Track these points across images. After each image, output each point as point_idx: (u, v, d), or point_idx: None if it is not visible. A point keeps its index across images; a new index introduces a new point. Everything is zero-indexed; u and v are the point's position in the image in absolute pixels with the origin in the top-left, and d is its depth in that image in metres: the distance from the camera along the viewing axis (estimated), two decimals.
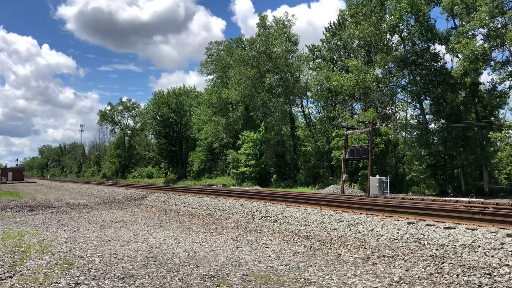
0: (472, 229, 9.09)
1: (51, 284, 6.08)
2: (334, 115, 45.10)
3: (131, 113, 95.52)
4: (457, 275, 6.79)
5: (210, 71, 64.85)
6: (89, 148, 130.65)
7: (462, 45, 27.17)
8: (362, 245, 9.37)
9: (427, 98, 35.43)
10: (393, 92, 40.02)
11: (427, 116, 35.57)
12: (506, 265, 6.94)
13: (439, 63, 34.67)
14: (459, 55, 29.17)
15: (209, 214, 16.37)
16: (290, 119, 49.86)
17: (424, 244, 8.76)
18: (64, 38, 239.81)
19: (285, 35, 48.19)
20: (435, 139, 33.95)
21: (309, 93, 50.42)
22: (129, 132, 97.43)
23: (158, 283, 6.31)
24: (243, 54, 49.44)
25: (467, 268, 7.03)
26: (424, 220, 10.70)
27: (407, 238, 9.29)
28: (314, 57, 51.08)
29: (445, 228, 9.47)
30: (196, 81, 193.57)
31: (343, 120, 42.15)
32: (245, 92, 48.36)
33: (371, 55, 40.45)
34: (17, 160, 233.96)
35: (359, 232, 10.53)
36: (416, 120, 37.43)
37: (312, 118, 51.99)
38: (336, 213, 12.98)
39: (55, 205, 21.31)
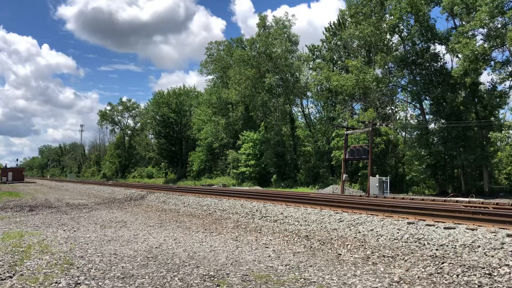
0: (472, 229, 9.09)
1: (51, 284, 6.08)
2: (334, 115, 45.11)
3: (131, 113, 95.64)
4: (457, 275, 6.79)
5: (210, 71, 64.90)
6: (89, 148, 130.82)
7: (462, 45, 27.18)
8: (362, 245, 9.37)
9: (427, 98, 35.44)
10: (393, 92, 40.03)
11: (427, 116, 35.60)
12: (506, 265, 6.94)
13: (439, 63, 34.67)
14: (459, 55, 29.17)
15: (209, 214, 16.37)
16: (290, 119, 49.87)
17: (424, 244, 8.76)
18: (64, 38, 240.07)
19: (285, 35, 48.19)
20: (435, 139, 33.95)
21: (309, 93, 50.44)
22: (129, 132, 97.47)
23: (158, 283, 6.31)
24: (243, 54, 49.44)
25: (467, 268, 7.03)
26: (424, 220, 10.70)
27: (407, 238, 9.29)
28: (314, 57, 51.10)
29: (445, 228, 9.47)
30: (196, 81, 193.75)
31: (343, 120, 42.15)
32: (245, 92, 48.37)
33: (371, 55, 40.46)
34: (17, 160, 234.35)
35: (359, 232, 10.53)
36: (416, 120, 37.43)
37: (312, 118, 52.03)
38: (336, 213, 12.98)
39: (55, 205, 21.31)
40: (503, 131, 28.16)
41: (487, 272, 6.78)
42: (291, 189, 39.49)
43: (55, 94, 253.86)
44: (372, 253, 8.72)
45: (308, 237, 10.73)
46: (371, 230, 10.44)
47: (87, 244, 9.61)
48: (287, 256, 8.53)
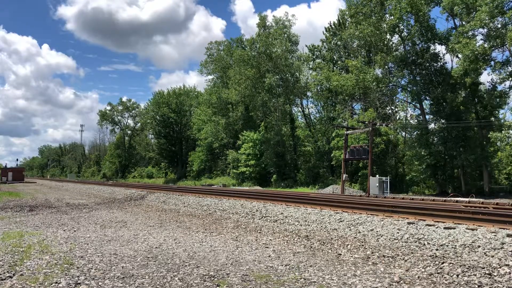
0: (472, 229, 9.09)
1: (51, 284, 6.08)
2: (334, 115, 45.10)
3: (131, 113, 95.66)
4: (457, 275, 6.79)
5: (210, 71, 64.91)
6: (89, 148, 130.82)
7: (462, 45, 27.18)
8: (362, 245, 9.37)
9: (427, 98, 35.43)
10: (393, 92, 40.03)
11: (427, 116, 35.60)
12: (506, 265, 6.94)
13: (439, 63, 34.67)
14: (459, 55, 29.18)
15: (209, 214, 16.37)
16: (290, 119, 49.87)
17: (424, 244, 8.76)
18: (64, 38, 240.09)
19: (285, 35, 48.20)
20: (435, 139, 33.95)
21: (309, 93, 50.45)
22: (129, 132, 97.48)
23: (158, 283, 6.31)
24: (243, 54, 49.45)
25: (467, 268, 7.03)
26: (424, 220, 10.70)
27: (407, 238, 9.29)
28: (314, 57, 51.09)
29: (445, 228, 9.47)
30: (196, 81, 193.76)
31: (343, 120, 42.15)
32: (245, 92, 48.37)
33: (371, 55, 40.46)
34: (17, 160, 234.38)
35: (359, 232, 10.53)
36: (416, 120, 37.43)
37: (312, 118, 52.03)
38: (336, 213, 12.98)
39: (55, 205, 21.31)
40: (503, 131, 28.16)
41: (487, 272, 6.78)
42: (291, 189, 39.49)
43: (55, 94, 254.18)
44: (372, 253, 8.72)
45: (308, 237, 10.73)
46: (371, 230, 10.44)
47: (87, 244, 9.61)
48: (287, 256, 8.53)
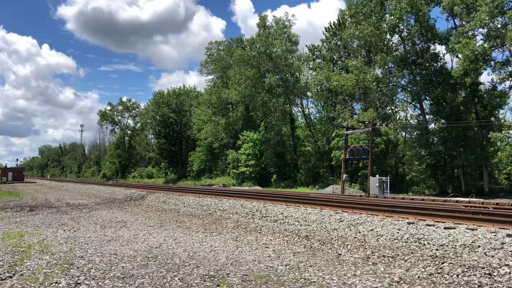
0: (472, 229, 9.09)
1: (51, 284, 6.08)
2: (334, 115, 45.10)
3: (131, 113, 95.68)
4: (457, 275, 6.79)
5: (210, 71, 64.92)
6: (89, 148, 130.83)
7: (462, 45, 27.18)
8: (362, 245, 9.37)
9: (427, 98, 35.43)
10: (393, 92, 40.03)
11: (427, 116, 35.59)
12: (506, 265, 6.94)
13: (439, 63, 34.67)
14: (459, 55, 29.17)
15: (209, 214, 16.37)
16: (290, 119, 49.87)
17: (424, 244, 8.76)
18: (64, 38, 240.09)
19: (285, 35, 48.20)
20: (435, 139, 33.95)
21: (309, 93, 50.45)
22: (129, 132, 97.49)
23: (158, 283, 6.31)
24: (243, 54, 49.45)
25: (467, 268, 7.03)
26: (424, 220, 10.70)
27: (407, 238, 9.29)
28: (314, 57, 51.09)
29: (445, 228, 9.47)
30: (196, 81, 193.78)
31: (343, 120, 42.15)
32: (245, 92, 48.37)
33: (371, 55, 40.46)
34: (17, 160, 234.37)
35: (359, 232, 10.53)
36: (416, 120, 37.43)
37: (312, 118, 52.03)
38: (336, 213, 12.98)
39: (55, 205, 21.31)
40: (503, 131, 28.16)
41: (487, 272, 6.78)
42: (291, 189, 39.49)
43: (55, 94, 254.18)
44: (372, 253, 8.72)
45: (308, 237, 10.73)
46: (371, 230, 10.44)
47: (87, 244, 9.61)
48: (287, 256, 8.53)
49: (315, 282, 6.49)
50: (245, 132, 49.89)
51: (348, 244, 9.57)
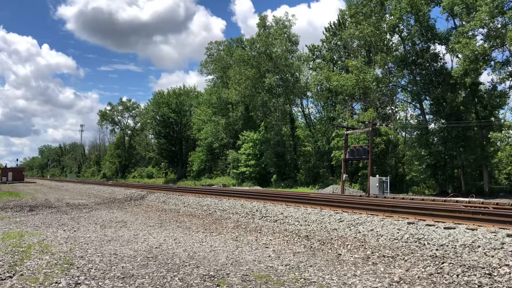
0: (472, 229, 9.09)
1: (51, 284, 6.08)
2: (334, 115, 45.11)
3: (131, 113, 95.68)
4: (457, 275, 6.79)
5: (210, 71, 64.92)
6: (89, 148, 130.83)
7: (462, 45, 27.17)
8: (362, 245, 9.37)
9: (427, 98, 35.43)
10: (393, 92, 40.03)
11: (427, 116, 35.59)
12: (506, 265, 6.94)
13: (439, 63, 34.66)
14: (459, 55, 29.17)
15: (209, 214, 16.37)
16: (290, 119, 49.87)
17: (424, 244, 8.76)
18: (64, 38, 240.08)
19: (285, 35, 48.21)
20: (435, 139, 33.95)
21: (309, 93, 50.45)
22: (129, 132, 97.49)
23: (158, 283, 6.31)
24: (243, 54, 49.45)
25: (467, 268, 7.03)
26: (424, 220, 10.70)
27: (407, 238, 9.29)
28: (314, 57, 51.09)
29: (445, 228, 9.47)
30: (196, 81, 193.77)
31: (343, 120, 42.15)
32: (245, 92, 48.38)
33: (371, 55, 40.46)
34: (17, 160, 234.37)
35: (359, 232, 10.53)
36: (416, 120, 37.43)
37: (312, 118, 52.03)
38: (336, 213, 12.98)
39: (55, 205, 21.31)
40: (503, 131, 28.17)
41: (487, 272, 6.78)
42: (291, 189, 39.49)
43: (55, 94, 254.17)
44: (372, 253, 8.72)
45: (308, 237, 10.73)
46: (371, 230, 10.44)
47: (87, 244, 9.61)
48: (287, 256, 8.53)
49: (315, 282, 6.49)
50: (245, 132, 49.89)
51: (348, 244, 9.57)
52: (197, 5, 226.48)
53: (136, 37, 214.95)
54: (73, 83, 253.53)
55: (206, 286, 6.18)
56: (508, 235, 8.22)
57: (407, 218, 11.15)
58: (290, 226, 12.37)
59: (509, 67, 28.16)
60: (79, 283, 6.17)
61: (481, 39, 28.63)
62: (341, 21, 47.12)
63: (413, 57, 34.45)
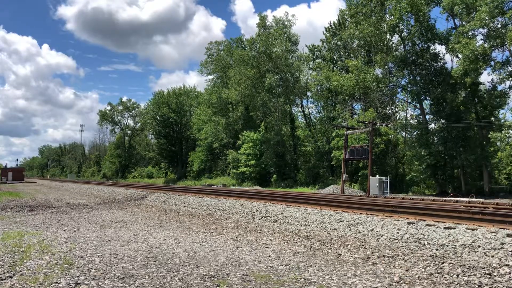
0: (472, 229, 9.09)
1: (51, 284, 6.08)
2: (334, 115, 45.11)
3: (131, 113, 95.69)
4: (457, 275, 6.79)
5: (210, 71, 64.93)
6: (89, 148, 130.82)
7: (462, 45, 27.17)
8: (362, 245, 9.37)
9: (427, 98, 35.43)
10: (393, 92, 40.03)
11: (427, 116, 35.59)
12: (506, 265, 6.94)
13: (439, 63, 34.66)
14: (459, 55, 29.17)
15: (209, 214, 16.37)
16: (290, 119, 49.88)
17: (424, 244, 8.76)
18: (64, 38, 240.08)
19: (285, 35, 48.21)
20: (435, 139, 33.95)
21: (309, 93, 50.45)
22: (129, 132, 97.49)
23: (158, 283, 6.31)
24: (243, 54, 49.45)
25: (467, 268, 7.03)
26: (424, 220, 10.70)
27: (407, 238, 9.29)
28: (314, 57, 51.09)
29: (445, 228, 9.46)
30: (196, 81, 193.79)
31: (343, 120, 42.15)
32: (245, 92, 48.38)
33: (371, 55, 40.46)
34: (17, 160, 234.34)
35: (359, 232, 10.53)
36: (416, 120, 37.43)
37: (312, 118, 52.03)
38: (336, 213, 12.98)
39: (55, 205, 21.31)
40: (503, 131, 28.17)
41: (487, 272, 6.78)
42: (291, 189, 39.49)
43: (55, 94, 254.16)
44: (372, 253, 8.72)
45: (308, 237, 10.73)
46: (371, 230, 10.44)
47: (87, 244, 9.61)
48: (287, 256, 8.53)
49: (315, 282, 6.49)
50: (245, 132, 49.89)
51: (348, 244, 9.57)
52: (197, 5, 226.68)
53: (136, 37, 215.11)
54: (73, 83, 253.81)
55: (206, 286, 6.18)
56: (508, 235, 8.22)
57: (407, 218, 11.15)
58: (290, 226, 12.37)
59: (509, 67, 28.17)
60: (79, 283, 6.17)
61: (481, 39, 28.67)
62: (341, 21, 47.12)
63: (413, 57, 34.45)
